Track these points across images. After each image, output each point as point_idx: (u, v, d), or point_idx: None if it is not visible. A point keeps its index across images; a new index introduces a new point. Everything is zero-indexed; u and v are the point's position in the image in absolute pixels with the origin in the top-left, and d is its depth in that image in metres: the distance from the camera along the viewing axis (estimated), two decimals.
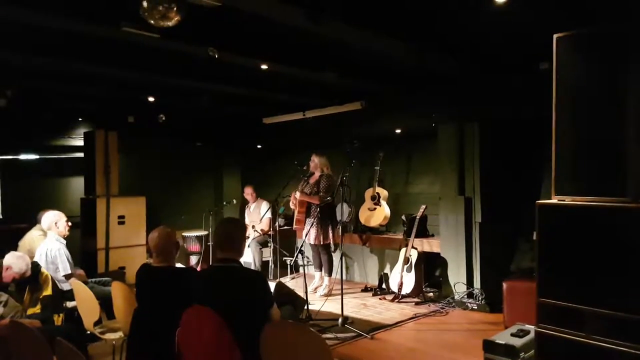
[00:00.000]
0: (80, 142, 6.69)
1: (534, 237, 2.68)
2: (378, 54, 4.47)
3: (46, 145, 6.85)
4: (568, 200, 2.49)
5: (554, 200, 2.54)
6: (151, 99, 6.21)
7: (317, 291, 5.98)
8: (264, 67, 4.64)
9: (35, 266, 4.15)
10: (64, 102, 6.48)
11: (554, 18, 3.34)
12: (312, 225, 5.74)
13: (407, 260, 5.65)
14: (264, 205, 7.05)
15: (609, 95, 2.37)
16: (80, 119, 7.02)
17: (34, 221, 5.02)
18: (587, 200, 2.41)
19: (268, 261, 6.82)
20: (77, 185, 6.86)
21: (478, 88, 5.29)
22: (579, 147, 2.46)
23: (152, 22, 3.00)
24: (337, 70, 4.94)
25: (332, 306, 5.18)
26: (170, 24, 3.02)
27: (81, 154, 6.56)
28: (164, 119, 6.96)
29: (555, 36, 2.51)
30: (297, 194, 5.85)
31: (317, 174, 5.92)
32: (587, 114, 2.44)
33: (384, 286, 6.07)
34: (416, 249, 5.67)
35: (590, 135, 2.43)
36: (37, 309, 3.96)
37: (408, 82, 5.63)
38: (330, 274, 5.96)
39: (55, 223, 4.37)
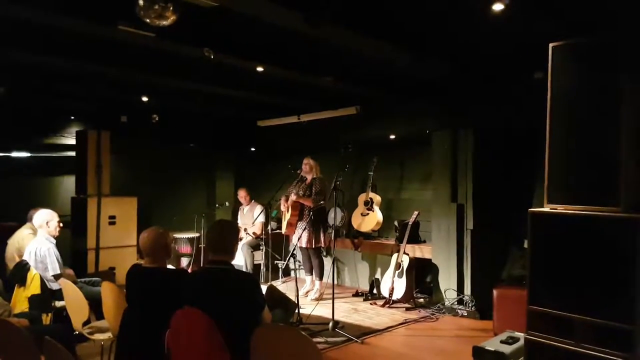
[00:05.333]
0: (72, 141, 6.63)
1: (525, 245, 2.69)
2: (374, 59, 4.49)
3: (38, 144, 6.79)
4: (560, 208, 2.51)
5: (547, 209, 2.56)
6: (145, 99, 6.18)
7: (308, 295, 5.97)
8: (259, 69, 4.64)
9: (24, 265, 4.12)
10: (56, 101, 6.43)
11: (549, 27, 3.38)
12: (304, 228, 5.74)
13: (398, 265, 5.66)
14: (257, 209, 7.04)
15: (602, 104, 2.39)
16: (72, 118, 6.97)
17: (23, 219, 4.97)
18: (579, 209, 2.43)
19: (260, 264, 6.80)
20: (68, 184, 6.80)
21: (472, 96, 5.33)
22: (572, 155, 2.48)
23: (147, 21, 3.00)
24: (333, 75, 4.95)
25: (323, 310, 5.17)
26: (166, 23, 3.02)
27: (73, 153, 6.51)
28: (157, 119, 6.93)
29: (551, 45, 2.53)
30: (293, 196, 5.84)
31: (310, 178, 5.92)
32: (580, 123, 2.46)
33: (375, 291, 6.07)
34: (408, 254, 5.68)
35: (583, 144, 2.45)
36: (25, 308, 3.93)
37: (403, 88, 5.66)
38: (321, 278, 5.95)
39: (47, 222, 4.32)
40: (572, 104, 2.49)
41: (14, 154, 6.62)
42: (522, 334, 2.77)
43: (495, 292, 4.63)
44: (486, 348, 3.27)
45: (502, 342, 3.34)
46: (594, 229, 2.36)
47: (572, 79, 2.50)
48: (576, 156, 2.47)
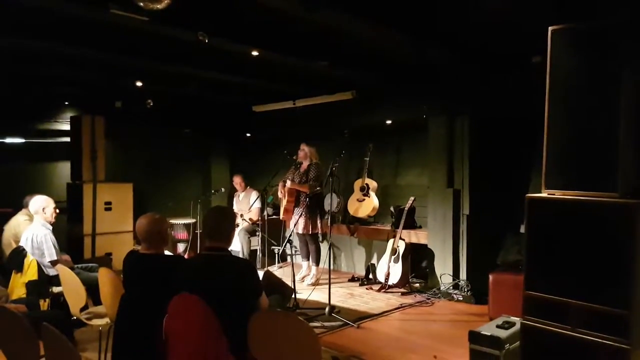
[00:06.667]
0: (66, 127, 6.58)
1: (521, 231, 2.69)
2: (371, 44, 4.45)
3: (32, 129, 6.72)
4: (558, 194, 2.50)
5: (544, 194, 2.55)
6: (139, 83, 6.12)
7: (304, 280, 6.00)
8: (254, 53, 4.59)
9: (21, 251, 4.11)
10: (50, 86, 6.36)
11: (547, 11, 3.35)
12: (300, 214, 5.74)
13: (394, 251, 5.68)
14: (253, 195, 7.04)
15: (601, 90, 2.37)
16: (66, 103, 6.90)
17: (19, 206, 4.94)
18: (576, 195, 2.43)
19: (256, 250, 6.82)
20: (63, 170, 6.76)
21: (469, 81, 5.29)
22: (570, 141, 2.47)
23: (141, 4, 2.95)
24: (329, 59, 4.91)
25: (319, 295, 5.19)
26: (159, 6, 2.97)
27: (67, 139, 6.46)
28: (152, 104, 6.87)
29: (550, 29, 2.50)
30: (288, 183, 5.83)
31: (306, 164, 5.91)
32: (579, 108, 2.44)
33: (371, 276, 6.11)
34: (404, 240, 5.70)
35: (581, 129, 2.43)
36: (22, 294, 3.93)
37: (400, 74, 5.62)
38: (318, 263, 5.98)
39: (43, 208, 4.30)
40: (570, 89, 2.47)
41: (8, 140, 6.56)
42: (518, 319, 2.79)
43: (490, 277, 4.67)
44: (482, 333, 3.28)
45: (498, 326, 3.36)
46: (591, 214, 2.36)
47: (571, 63, 2.47)
48: (574, 142, 2.45)
